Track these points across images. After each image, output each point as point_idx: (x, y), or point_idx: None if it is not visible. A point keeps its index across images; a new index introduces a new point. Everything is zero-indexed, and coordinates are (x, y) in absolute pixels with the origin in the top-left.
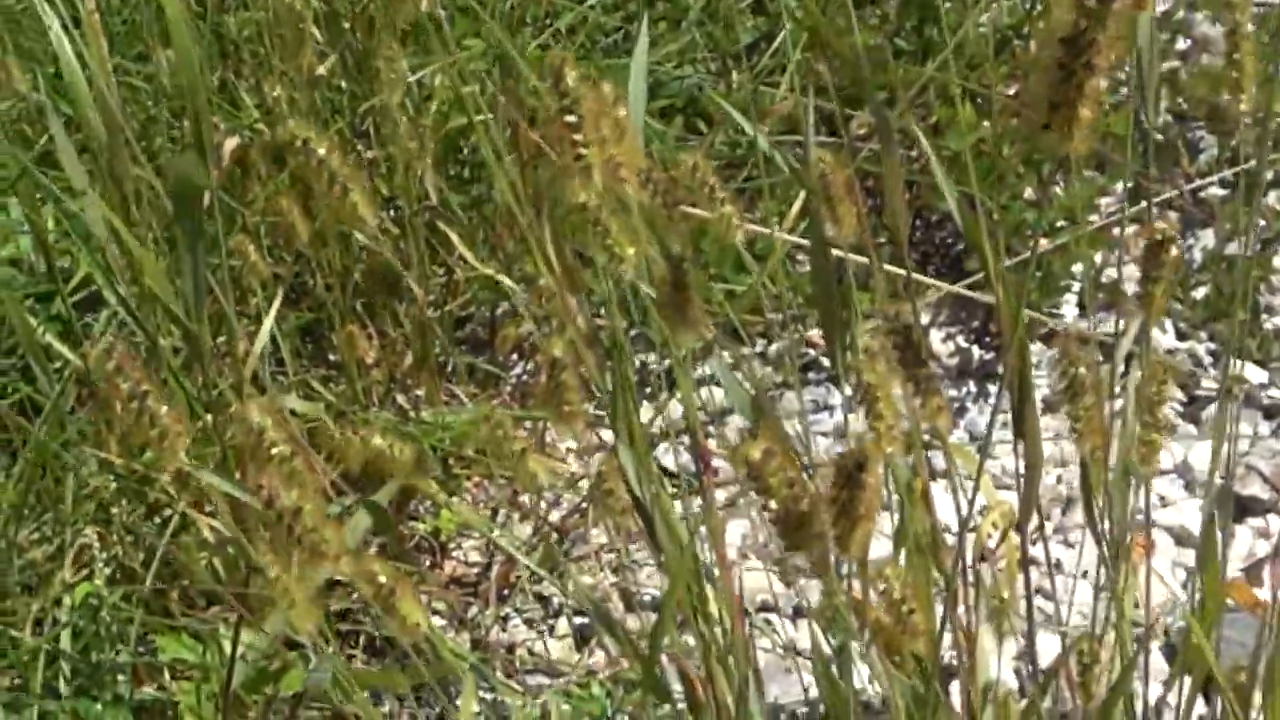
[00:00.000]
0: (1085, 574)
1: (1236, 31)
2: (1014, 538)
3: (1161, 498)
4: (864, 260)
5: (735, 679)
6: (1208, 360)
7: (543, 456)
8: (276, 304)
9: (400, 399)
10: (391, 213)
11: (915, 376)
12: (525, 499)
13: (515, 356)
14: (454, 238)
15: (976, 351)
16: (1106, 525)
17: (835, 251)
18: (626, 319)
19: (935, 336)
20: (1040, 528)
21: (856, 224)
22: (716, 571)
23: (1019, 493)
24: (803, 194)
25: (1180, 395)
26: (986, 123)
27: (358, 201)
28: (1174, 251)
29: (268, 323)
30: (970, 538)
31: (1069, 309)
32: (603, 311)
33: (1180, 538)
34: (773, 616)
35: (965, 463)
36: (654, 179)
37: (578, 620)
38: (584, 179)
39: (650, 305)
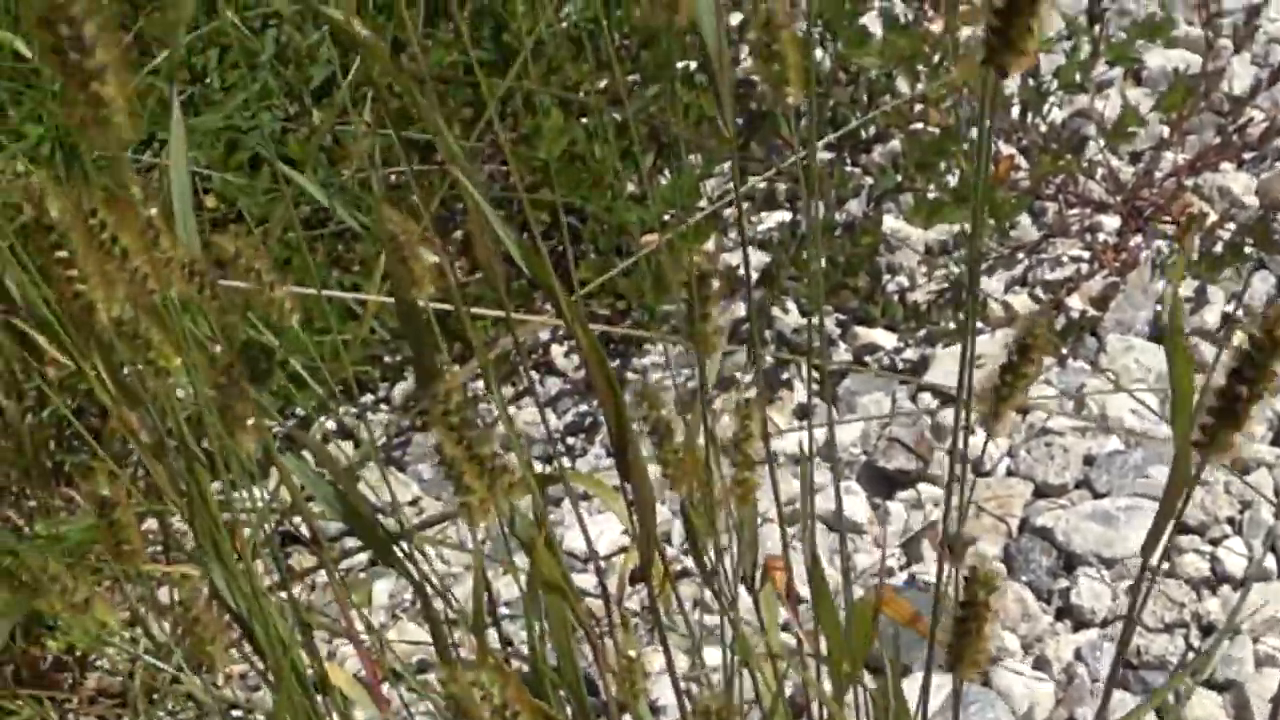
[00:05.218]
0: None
1: (771, 21)
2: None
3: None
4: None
5: None
6: (836, 333)
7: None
8: None
9: (12, 514)
10: None
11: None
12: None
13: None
14: (39, 340)
15: None
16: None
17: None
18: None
19: (557, 351)
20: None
21: (434, 279)
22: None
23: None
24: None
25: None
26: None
27: None
28: (715, 284)
29: None
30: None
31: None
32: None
33: (831, 523)
34: (431, 676)
35: (599, 493)
36: (197, 271)
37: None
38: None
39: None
